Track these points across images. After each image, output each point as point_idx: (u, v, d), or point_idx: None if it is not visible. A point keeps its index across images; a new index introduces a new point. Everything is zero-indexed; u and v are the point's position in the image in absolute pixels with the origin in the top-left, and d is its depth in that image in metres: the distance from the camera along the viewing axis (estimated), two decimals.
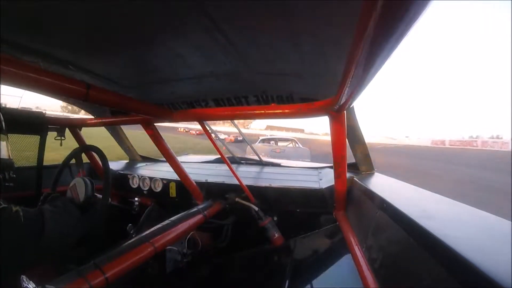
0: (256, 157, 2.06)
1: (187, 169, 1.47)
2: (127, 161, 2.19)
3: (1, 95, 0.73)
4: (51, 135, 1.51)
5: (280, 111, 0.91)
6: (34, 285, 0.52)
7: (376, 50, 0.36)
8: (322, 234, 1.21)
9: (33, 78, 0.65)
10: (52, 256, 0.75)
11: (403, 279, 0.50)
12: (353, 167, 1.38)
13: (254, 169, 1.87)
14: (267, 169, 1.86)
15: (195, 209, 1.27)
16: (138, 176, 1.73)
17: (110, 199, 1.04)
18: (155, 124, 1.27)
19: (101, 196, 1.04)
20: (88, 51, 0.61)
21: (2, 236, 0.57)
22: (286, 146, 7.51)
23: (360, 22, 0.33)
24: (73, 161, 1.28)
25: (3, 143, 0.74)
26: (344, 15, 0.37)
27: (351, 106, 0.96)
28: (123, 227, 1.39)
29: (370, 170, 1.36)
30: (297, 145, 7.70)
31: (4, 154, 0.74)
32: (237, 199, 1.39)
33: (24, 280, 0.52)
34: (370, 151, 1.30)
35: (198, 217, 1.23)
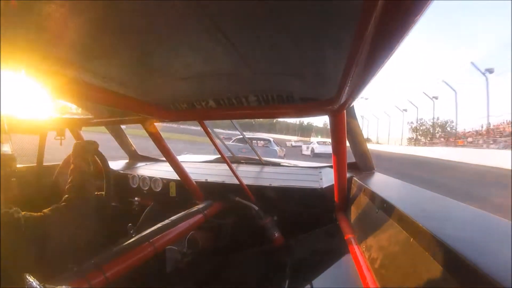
0: (256, 157, 2.06)
1: (187, 168, 1.47)
2: (127, 160, 2.18)
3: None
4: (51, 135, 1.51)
5: (280, 110, 0.91)
6: (37, 283, 0.52)
7: (376, 50, 0.36)
8: (322, 233, 1.21)
9: (33, 77, 0.65)
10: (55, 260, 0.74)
11: (403, 279, 0.50)
12: (353, 167, 1.38)
13: (254, 168, 1.87)
14: (267, 169, 1.86)
15: (195, 209, 1.27)
16: (138, 175, 1.73)
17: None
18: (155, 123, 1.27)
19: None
20: (88, 50, 0.61)
21: (1, 241, 0.57)
22: (255, 146, 8.13)
23: (360, 22, 0.33)
24: None
25: (6, 140, 0.74)
26: (344, 15, 0.37)
27: (351, 105, 0.96)
28: (123, 226, 1.39)
29: (370, 169, 1.36)
30: (270, 145, 8.43)
31: (7, 150, 0.74)
32: (237, 199, 1.39)
33: (28, 278, 0.52)
34: None
35: (198, 216, 1.23)
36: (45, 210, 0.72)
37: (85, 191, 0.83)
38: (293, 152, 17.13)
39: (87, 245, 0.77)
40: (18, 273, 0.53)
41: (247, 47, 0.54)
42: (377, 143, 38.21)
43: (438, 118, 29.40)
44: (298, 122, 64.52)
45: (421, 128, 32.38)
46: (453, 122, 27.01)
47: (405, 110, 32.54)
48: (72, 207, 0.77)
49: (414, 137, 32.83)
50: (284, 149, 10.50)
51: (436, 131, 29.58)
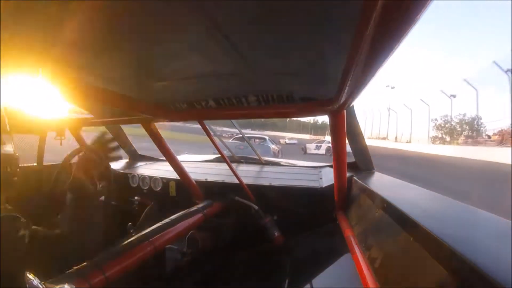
0: (255, 156, 2.06)
1: (187, 168, 1.47)
2: (127, 160, 2.19)
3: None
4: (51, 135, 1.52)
5: (280, 110, 0.91)
6: (38, 281, 0.52)
7: (376, 50, 0.36)
8: (322, 233, 1.21)
9: (32, 77, 0.65)
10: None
11: (403, 279, 0.50)
12: (353, 166, 1.38)
13: (254, 168, 1.87)
14: (267, 168, 1.86)
15: (194, 208, 1.27)
16: (138, 175, 1.73)
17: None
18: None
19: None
20: (88, 50, 0.61)
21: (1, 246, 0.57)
22: (251, 143, 8.79)
23: (360, 22, 0.33)
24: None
25: (9, 140, 0.75)
26: (344, 15, 0.37)
27: (351, 105, 0.96)
28: (123, 226, 1.39)
29: (370, 169, 1.36)
30: (264, 143, 9.11)
31: (10, 150, 0.74)
32: (237, 198, 1.39)
33: (29, 276, 0.52)
34: None
35: (198, 216, 1.23)
36: (55, 231, 0.72)
37: (90, 197, 0.82)
38: (290, 151, 15.41)
39: (88, 250, 0.77)
40: (18, 273, 0.53)
41: (247, 47, 0.54)
42: (408, 142, 30.85)
43: (465, 115, 26.14)
44: (312, 121, 61.92)
45: (446, 125, 28.52)
46: (481, 119, 24.22)
47: (454, 96, 26.59)
48: (79, 216, 0.77)
49: (440, 136, 28.39)
50: (280, 146, 10.97)
51: (463, 129, 26.36)
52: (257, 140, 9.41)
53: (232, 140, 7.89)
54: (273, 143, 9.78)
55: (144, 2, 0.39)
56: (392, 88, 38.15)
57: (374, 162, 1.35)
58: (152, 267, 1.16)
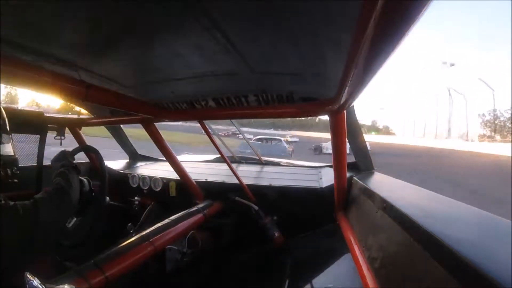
0: (256, 156, 2.06)
1: (187, 168, 1.47)
2: (127, 160, 2.19)
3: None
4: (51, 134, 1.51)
5: (280, 110, 0.91)
6: (38, 282, 0.52)
7: (376, 50, 0.36)
8: (322, 233, 1.21)
9: (33, 77, 0.65)
10: (49, 247, 0.73)
11: (403, 279, 0.50)
12: (353, 167, 1.38)
13: (254, 168, 1.87)
14: (267, 169, 1.87)
15: (195, 209, 1.27)
16: (138, 175, 1.73)
17: (109, 199, 1.04)
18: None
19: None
20: (88, 50, 0.61)
21: (2, 231, 0.57)
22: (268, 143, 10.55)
23: (360, 22, 0.33)
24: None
25: (7, 141, 0.75)
26: (344, 15, 0.37)
27: (351, 105, 0.96)
28: (123, 226, 1.39)
29: (369, 169, 1.36)
30: (281, 144, 10.48)
31: (9, 151, 0.74)
32: (237, 198, 1.39)
33: (29, 277, 0.52)
34: None
35: (198, 216, 1.23)
36: (36, 196, 0.72)
37: (70, 177, 0.82)
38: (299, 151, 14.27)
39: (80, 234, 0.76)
40: (19, 261, 0.52)
41: (247, 47, 0.54)
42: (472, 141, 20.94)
43: None
44: None
45: (495, 121, 23.70)
46: None
47: None
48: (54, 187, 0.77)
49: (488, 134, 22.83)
50: (293, 146, 12.48)
51: None
52: (274, 141, 10.68)
53: (253, 141, 8.63)
54: (287, 144, 11.25)
55: (144, 2, 0.39)
56: (452, 65, 29.10)
57: None
58: (152, 267, 1.16)
